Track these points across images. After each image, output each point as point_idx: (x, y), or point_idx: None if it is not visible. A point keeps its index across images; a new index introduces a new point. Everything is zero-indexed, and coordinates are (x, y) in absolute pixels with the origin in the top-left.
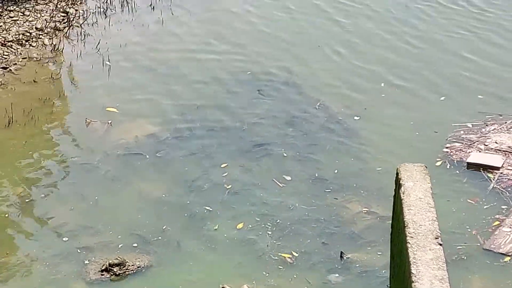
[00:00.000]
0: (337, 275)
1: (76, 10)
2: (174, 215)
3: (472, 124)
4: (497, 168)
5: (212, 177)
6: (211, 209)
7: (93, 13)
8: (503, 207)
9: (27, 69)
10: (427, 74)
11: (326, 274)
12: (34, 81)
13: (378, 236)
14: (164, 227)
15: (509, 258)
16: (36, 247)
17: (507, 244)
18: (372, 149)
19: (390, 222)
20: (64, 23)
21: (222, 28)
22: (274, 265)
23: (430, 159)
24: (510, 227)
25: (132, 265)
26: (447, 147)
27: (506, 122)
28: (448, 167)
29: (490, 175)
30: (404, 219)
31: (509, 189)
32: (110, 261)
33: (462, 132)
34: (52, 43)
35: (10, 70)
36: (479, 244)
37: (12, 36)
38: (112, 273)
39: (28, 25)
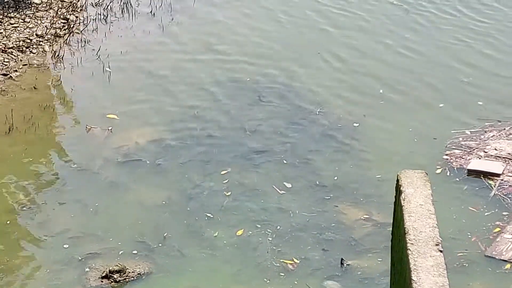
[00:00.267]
0: (333, 282)
1: (77, 16)
2: (174, 221)
3: (471, 131)
4: (498, 175)
5: (212, 183)
6: (211, 216)
7: (93, 19)
8: (504, 213)
9: (27, 76)
10: (426, 81)
11: (326, 281)
12: (35, 88)
13: (378, 243)
14: (164, 234)
15: (510, 265)
16: (37, 254)
17: (509, 251)
18: (372, 156)
19: (390, 229)
20: (64, 29)
21: (223, 34)
22: (274, 272)
23: (430, 166)
24: None
25: (132, 272)
26: (446, 154)
27: (504, 129)
28: (448, 174)
29: (490, 182)
30: (405, 226)
31: (510, 195)
32: (110, 268)
33: (461, 139)
34: (52, 50)
35: (11, 76)
36: (480, 251)
37: (12, 43)
38: (112, 280)
39: (29, 32)
